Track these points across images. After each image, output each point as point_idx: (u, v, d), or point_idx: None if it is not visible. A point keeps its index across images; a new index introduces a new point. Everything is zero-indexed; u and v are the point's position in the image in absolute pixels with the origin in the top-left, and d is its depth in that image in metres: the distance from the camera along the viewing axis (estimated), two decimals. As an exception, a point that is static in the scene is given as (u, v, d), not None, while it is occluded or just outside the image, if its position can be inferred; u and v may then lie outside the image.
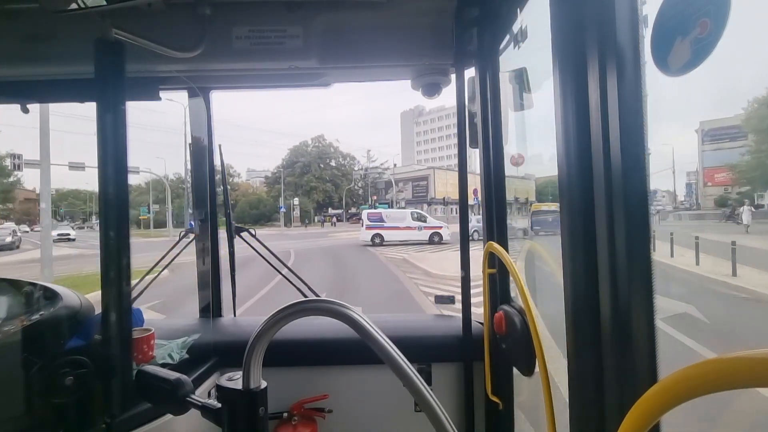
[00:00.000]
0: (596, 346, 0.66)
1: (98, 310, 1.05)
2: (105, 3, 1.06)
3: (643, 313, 0.61)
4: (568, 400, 0.73)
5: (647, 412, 0.36)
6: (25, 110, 1.46)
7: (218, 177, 1.67)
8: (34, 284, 1.27)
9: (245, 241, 1.68)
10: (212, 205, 1.68)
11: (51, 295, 1.20)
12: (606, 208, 0.64)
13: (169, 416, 1.04)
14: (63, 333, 1.07)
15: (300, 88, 1.57)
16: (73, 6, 0.99)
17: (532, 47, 1.10)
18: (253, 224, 47.07)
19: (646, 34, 0.61)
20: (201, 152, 1.67)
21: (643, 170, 0.62)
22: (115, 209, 0.99)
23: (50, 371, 0.94)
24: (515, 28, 1.12)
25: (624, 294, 0.63)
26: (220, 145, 1.68)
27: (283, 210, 38.08)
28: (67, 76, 1.35)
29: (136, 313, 1.29)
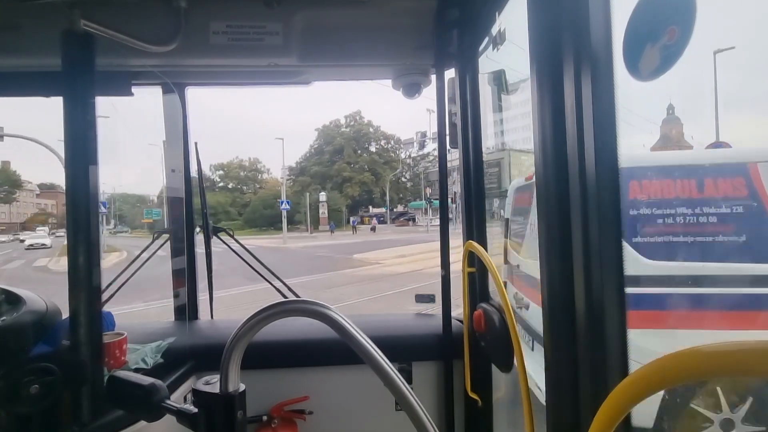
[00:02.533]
0: (572, 340, 0.68)
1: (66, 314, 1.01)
2: None
3: (615, 308, 0.64)
4: (544, 394, 0.75)
5: (620, 404, 0.37)
6: None
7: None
8: None
9: (223, 241, 1.64)
10: (188, 204, 1.64)
11: (13, 300, 1.14)
12: (581, 208, 0.66)
13: (143, 423, 1.00)
14: (27, 339, 1.02)
15: (279, 86, 1.54)
16: None
17: (510, 49, 1.12)
18: (267, 227, 39.42)
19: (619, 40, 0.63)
20: (176, 150, 1.62)
21: (615, 171, 0.64)
22: (84, 209, 0.95)
23: (13, 380, 0.89)
24: (494, 30, 1.14)
25: (597, 290, 0.65)
26: (196, 143, 1.63)
27: (285, 208, 25.96)
28: (33, 69, 1.28)
29: (107, 316, 1.25)
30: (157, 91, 1.56)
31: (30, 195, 68.38)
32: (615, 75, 0.63)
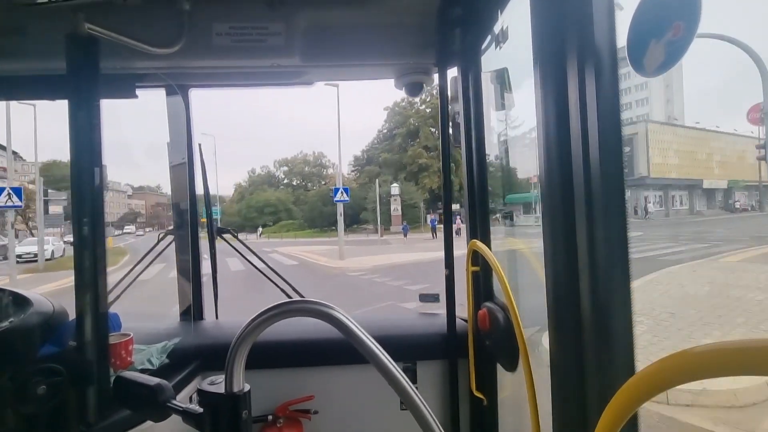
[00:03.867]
0: (577, 339, 0.68)
1: (73, 315, 1.02)
2: None
3: (621, 307, 0.63)
4: (550, 393, 0.74)
5: (626, 403, 0.37)
6: None
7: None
8: (2, 290, 1.22)
9: (227, 242, 1.65)
10: (192, 205, 1.65)
11: (21, 302, 1.15)
12: (585, 206, 0.66)
13: (149, 423, 1.01)
14: (35, 340, 1.03)
15: (282, 87, 1.55)
16: None
17: (513, 48, 1.12)
18: (328, 227, 34.65)
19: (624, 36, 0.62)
20: (180, 151, 1.63)
21: (620, 169, 0.64)
22: (89, 211, 0.96)
23: (21, 380, 0.90)
24: (497, 28, 1.13)
25: (603, 289, 0.64)
26: (200, 144, 1.64)
27: (341, 200, 15.66)
28: (37, 72, 1.29)
29: (113, 317, 1.25)
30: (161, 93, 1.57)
31: (122, 196, 73.61)
32: (619, 72, 0.63)
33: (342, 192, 15.39)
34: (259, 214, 46.10)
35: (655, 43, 0.56)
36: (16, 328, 1.03)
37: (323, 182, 51.24)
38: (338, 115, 17.26)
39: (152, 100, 1.58)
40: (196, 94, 1.58)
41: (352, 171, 47.41)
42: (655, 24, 0.56)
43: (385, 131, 42.46)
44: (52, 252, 19.06)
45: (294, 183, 56.25)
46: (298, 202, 48.77)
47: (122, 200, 73.55)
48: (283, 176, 57.82)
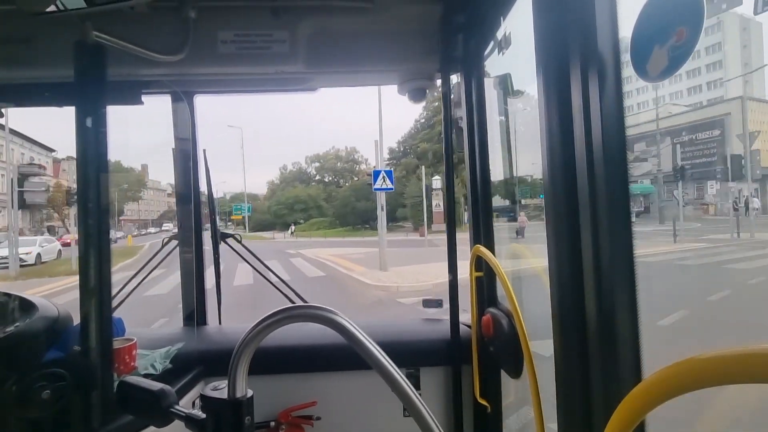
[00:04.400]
0: (582, 346, 0.67)
1: (77, 320, 1.02)
2: (85, 5, 1.04)
3: (627, 313, 0.63)
4: (555, 401, 0.74)
5: (633, 411, 0.36)
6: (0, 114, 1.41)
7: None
8: (8, 295, 1.22)
9: (231, 247, 1.65)
10: (196, 211, 1.66)
11: (27, 306, 1.16)
12: (590, 211, 0.66)
13: (152, 428, 1.01)
14: (40, 345, 1.03)
15: (286, 93, 1.56)
16: (52, 8, 0.96)
17: (516, 53, 1.12)
18: (360, 225, 33.29)
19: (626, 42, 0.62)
20: (185, 157, 1.64)
21: (625, 174, 0.63)
22: (95, 215, 0.96)
23: (26, 385, 0.90)
24: (499, 34, 1.14)
25: (608, 295, 0.64)
26: (204, 150, 1.65)
27: (382, 188, 10.75)
28: (45, 80, 1.31)
29: (117, 322, 1.26)
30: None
31: (162, 194, 76.24)
32: (623, 77, 0.63)
33: (384, 177, 10.76)
34: (289, 211, 44.60)
35: (659, 49, 0.56)
36: (21, 332, 1.04)
37: (355, 178, 48.56)
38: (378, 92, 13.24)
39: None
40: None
41: (387, 164, 41.48)
42: (659, 29, 0.56)
43: (422, 120, 38.59)
44: (38, 255, 17.08)
45: (326, 179, 54.69)
46: (329, 198, 46.79)
47: (163, 198, 76.04)
48: (314, 172, 56.29)
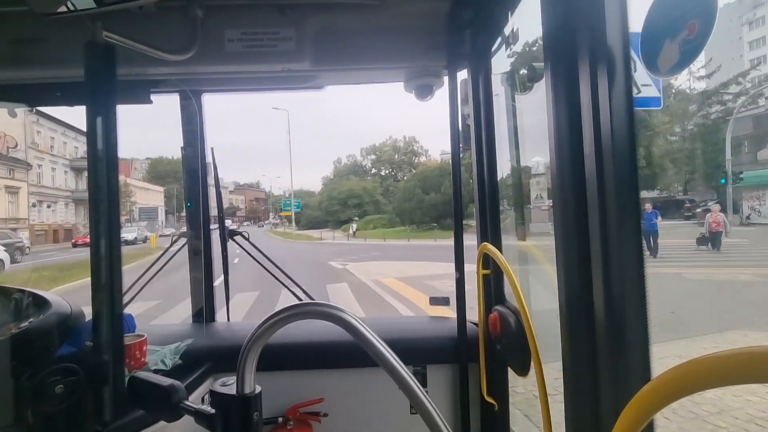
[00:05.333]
0: (590, 345, 0.67)
1: (89, 316, 1.04)
2: (95, 5, 1.05)
3: (637, 311, 0.62)
4: (563, 400, 0.73)
5: (642, 410, 0.36)
6: (13, 114, 1.44)
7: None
8: (23, 291, 1.25)
9: (239, 244, 1.67)
10: (205, 208, 1.67)
11: (41, 303, 1.18)
12: (598, 209, 0.65)
13: (162, 423, 1.02)
14: (53, 340, 1.06)
15: (293, 91, 1.56)
16: (63, 9, 0.98)
17: (524, 49, 1.11)
18: (428, 224, 25.77)
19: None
20: (193, 155, 1.65)
21: (634, 170, 0.63)
22: (105, 213, 0.98)
23: (40, 379, 0.92)
24: (507, 30, 1.13)
25: (617, 293, 0.63)
26: (212, 148, 1.67)
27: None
28: (56, 80, 1.33)
29: (127, 319, 1.28)
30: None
31: (224, 192, 78.00)
32: (632, 72, 0.62)
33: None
34: (341, 206, 40.30)
35: (670, 43, 0.55)
36: (36, 328, 1.06)
37: (414, 171, 43.51)
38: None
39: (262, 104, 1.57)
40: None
41: (442, 155, 39.17)
42: (670, 23, 0.55)
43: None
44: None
45: (382, 173, 50.69)
46: (386, 194, 42.55)
47: (225, 195, 77.51)
48: (370, 165, 52.11)
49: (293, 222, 35.78)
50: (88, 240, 0.97)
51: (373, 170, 51.58)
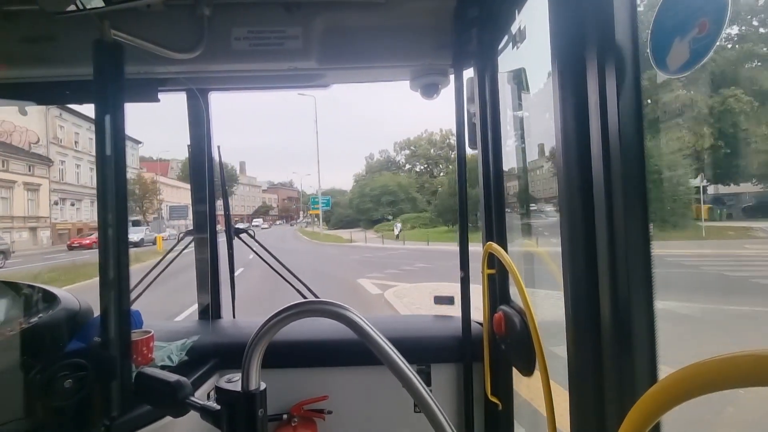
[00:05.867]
0: (596, 345, 0.66)
1: (97, 312, 1.05)
2: (103, 4, 1.06)
3: (644, 312, 0.61)
4: (568, 400, 0.73)
5: (648, 412, 0.36)
6: (23, 112, 1.45)
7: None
8: (32, 287, 1.27)
9: (244, 242, 1.67)
10: (211, 206, 1.68)
11: (50, 298, 1.20)
12: (605, 209, 0.64)
13: (168, 418, 1.04)
14: (62, 336, 1.07)
15: (299, 89, 1.57)
16: (72, 7, 0.99)
17: (530, 48, 1.10)
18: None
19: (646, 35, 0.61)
20: (200, 153, 1.67)
21: (642, 170, 0.62)
22: (113, 210, 0.99)
23: (49, 374, 0.94)
24: (514, 28, 1.12)
25: (624, 294, 0.63)
26: (219, 147, 1.68)
27: None
28: (66, 78, 1.34)
29: (135, 315, 1.29)
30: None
31: (257, 190, 79.96)
32: (641, 70, 0.61)
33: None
34: (375, 204, 37.55)
35: (679, 41, 0.54)
36: (45, 323, 1.07)
37: (451, 167, 39.17)
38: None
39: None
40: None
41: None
42: (680, 21, 0.55)
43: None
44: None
45: (417, 168, 47.94)
46: (422, 190, 40.11)
47: (258, 194, 79.14)
48: (404, 161, 49.30)
49: (321, 221, 33.08)
50: (84, 241, 0.98)
51: (407, 166, 48.61)
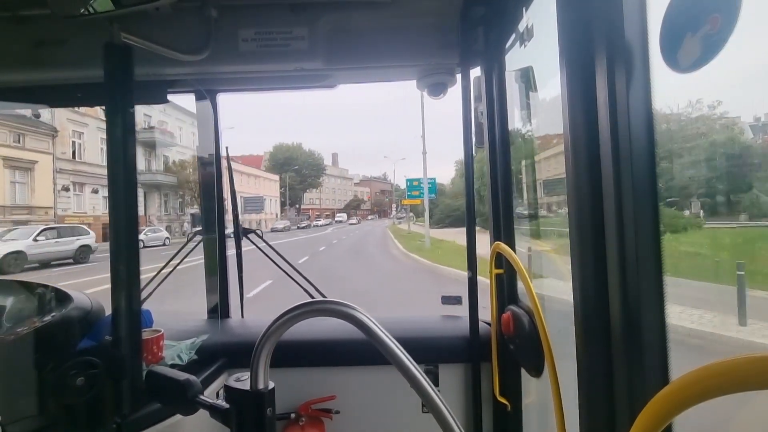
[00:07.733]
0: (606, 346, 0.66)
1: (108, 311, 1.06)
2: (113, 7, 1.07)
3: (654, 312, 0.61)
4: (577, 402, 0.72)
5: (659, 414, 0.35)
6: (37, 114, 1.48)
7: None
8: (46, 286, 1.29)
9: (252, 242, 1.69)
10: (219, 206, 1.70)
11: (62, 297, 1.22)
12: (615, 208, 0.64)
13: (178, 416, 1.05)
14: (74, 334, 1.09)
15: (306, 90, 1.57)
16: (83, 11, 1.00)
17: (538, 46, 1.09)
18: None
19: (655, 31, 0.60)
20: (209, 153, 1.68)
21: (652, 169, 0.61)
22: (124, 210, 1.00)
23: (61, 372, 0.95)
24: (521, 26, 1.11)
25: (634, 293, 0.62)
26: (227, 147, 1.69)
27: None
28: (76, 81, 1.36)
29: (145, 314, 1.31)
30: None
31: (350, 183, 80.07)
32: (651, 67, 0.60)
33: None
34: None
35: (691, 37, 0.53)
36: (57, 322, 1.09)
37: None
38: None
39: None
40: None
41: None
42: (691, 17, 0.54)
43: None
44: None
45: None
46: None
47: (349, 187, 79.06)
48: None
49: (425, 214, 19.65)
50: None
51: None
